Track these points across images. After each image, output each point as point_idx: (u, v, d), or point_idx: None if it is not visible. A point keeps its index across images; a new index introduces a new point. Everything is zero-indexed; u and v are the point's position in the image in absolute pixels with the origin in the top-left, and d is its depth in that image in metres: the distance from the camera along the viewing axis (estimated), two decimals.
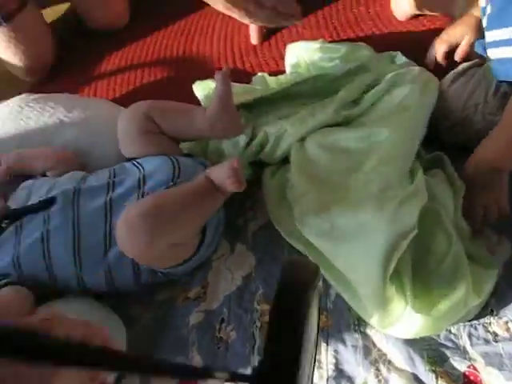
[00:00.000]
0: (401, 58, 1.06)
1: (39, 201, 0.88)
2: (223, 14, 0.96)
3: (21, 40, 1.37)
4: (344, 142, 0.94)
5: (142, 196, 0.86)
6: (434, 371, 0.72)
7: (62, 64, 1.49)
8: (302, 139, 0.97)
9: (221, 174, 0.83)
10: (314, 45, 1.09)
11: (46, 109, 1.11)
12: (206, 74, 1.14)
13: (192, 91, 1.12)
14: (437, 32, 1.05)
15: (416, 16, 1.19)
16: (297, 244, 0.87)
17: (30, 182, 0.96)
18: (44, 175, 1.00)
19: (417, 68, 0.99)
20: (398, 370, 0.73)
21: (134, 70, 1.35)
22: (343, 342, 0.77)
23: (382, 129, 0.91)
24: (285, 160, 0.98)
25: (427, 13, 1.18)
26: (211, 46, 1.33)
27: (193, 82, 1.14)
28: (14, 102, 1.15)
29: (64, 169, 0.98)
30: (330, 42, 1.17)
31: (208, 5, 0.94)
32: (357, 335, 0.77)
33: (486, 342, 0.73)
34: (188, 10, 1.47)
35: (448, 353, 0.74)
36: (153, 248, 0.77)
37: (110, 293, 0.88)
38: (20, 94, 1.21)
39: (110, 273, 0.85)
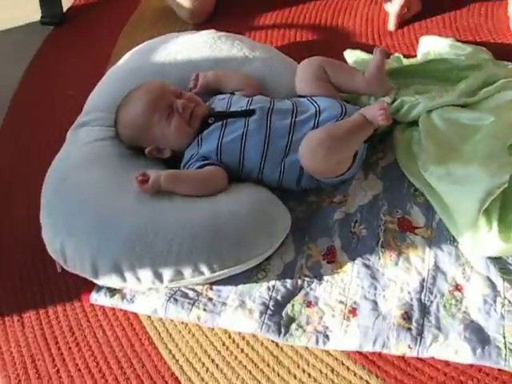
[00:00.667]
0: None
1: (241, 110, 1.24)
2: None
3: None
4: (461, 118, 1.28)
5: (317, 124, 1.21)
6: (501, 277, 1.07)
7: (219, 12, 1.83)
8: (429, 112, 1.31)
9: (373, 111, 1.18)
10: (446, 41, 1.44)
11: (234, 45, 1.47)
12: (349, 46, 1.48)
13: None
14: None
15: None
16: (415, 181, 1.23)
17: (226, 95, 1.32)
18: (232, 94, 1.35)
19: None
20: (478, 273, 1.09)
21: (288, 30, 1.70)
22: (441, 249, 1.14)
23: (490, 116, 1.26)
24: (412, 123, 1.33)
25: None
26: (354, 23, 1.68)
27: (337, 49, 1.48)
28: (206, 34, 1.50)
29: (249, 91, 1.34)
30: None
31: None
32: (451, 246, 1.14)
33: None
34: None
35: None
36: (325, 163, 1.14)
37: (276, 188, 1.24)
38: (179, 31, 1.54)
39: (282, 173, 1.22)
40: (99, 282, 1.12)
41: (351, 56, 1.48)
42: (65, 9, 2.03)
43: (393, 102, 1.31)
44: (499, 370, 0.98)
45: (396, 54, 1.52)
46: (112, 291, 1.15)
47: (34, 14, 1.99)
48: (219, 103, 1.30)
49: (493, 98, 1.32)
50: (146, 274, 1.07)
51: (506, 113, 1.26)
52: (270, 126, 1.21)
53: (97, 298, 1.16)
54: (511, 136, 1.20)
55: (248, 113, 1.24)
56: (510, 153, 1.16)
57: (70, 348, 1.13)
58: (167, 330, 1.12)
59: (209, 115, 1.26)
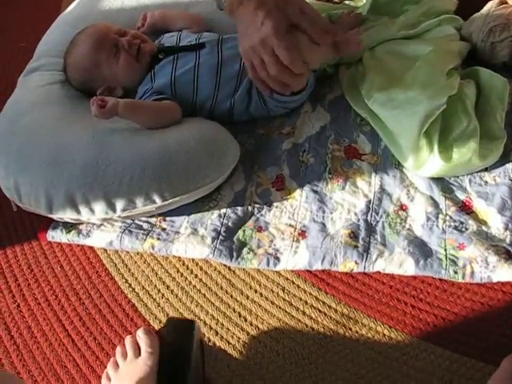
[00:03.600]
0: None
1: (191, 44, 1.27)
2: None
3: None
4: (402, 50, 1.32)
5: None
6: (444, 196, 1.12)
7: None
8: (372, 48, 1.35)
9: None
10: None
11: None
12: None
13: None
14: None
15: None
16: (360, 111, 1.27)
17: (174, 33, 1.34)
18: (180, 31, 1.36)
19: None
20: (421, 193, 1.14)
21: None
22: (387, 173, 1.17)
23: (429, 46, 1.30)
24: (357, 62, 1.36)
25: None
26: None
27: None
28: None
29: (197, 29, 1.36)
30: None
31: None
32: (396, 170, 1.18)
33: (479, 185, 1.13)
34: None
35: (454, 188, 1.14)
36: None
37: (227, 121, 1.27)
38: None
39: (233, 100, 1.24)
40: (54, 216, 1.14)
41: None
42: None
43: None
44: (440, 279, 1.03)
45: None
46: (68, 228, 1.18)
47: None
48: (168, 40, 1.32)
49: (432, 32, 1.35)
50: (99, 205, 1.10)
51: (445, 44, 1.30)
52: (221, 55, 1.24)
53: (53, 235, 1.18)
54: (449, 63, 1.24)
55: (198, 46, 1.26)
56: (449, 77, 1.20)
57: (29, 284, 1.16)
58: (123, 261, 1.15)
59: (159, 51, 1.28)
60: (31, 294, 1.14)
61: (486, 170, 1.15)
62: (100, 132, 1.16)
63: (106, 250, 1.17)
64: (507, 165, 1.15)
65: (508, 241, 1.04)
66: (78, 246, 1.19)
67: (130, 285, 1.12)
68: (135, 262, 1.14)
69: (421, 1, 1.38)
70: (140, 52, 1.25)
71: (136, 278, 1.13)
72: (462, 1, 1.41)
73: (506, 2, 1.34)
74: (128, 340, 0.99)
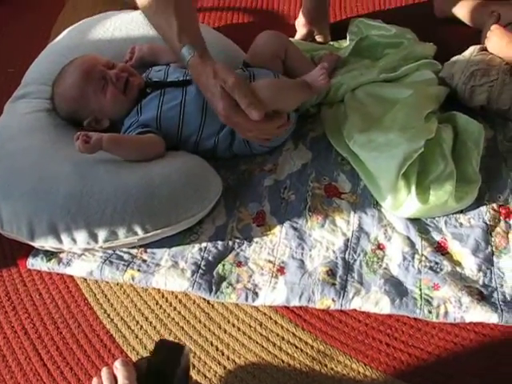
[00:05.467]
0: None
1: (179, 79, 1.29)
2: None
3: None
4: (383, 93, 1.37)
5: None
6: (420, 236, 1.15)
7: None
8: (353, 89, 1.39)
9: (313, 75, 1.24)
10: (373, 22, 1.51)
11: None
12: (284, 28, 1.56)
13: None
14: None
15: None
16: (341, 151, 1.30)
17: (162, 67, 1.36)
18: (168, 65, 1.38)
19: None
20: (398, 233, 1.16)
21: (225, 12, 1.77)
22: (365, 212, 1.20)
23: (408, 90, 1.34)
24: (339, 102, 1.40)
25: None
26: (289, 8, 1.76)
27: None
28: (137, 13, 1.53)
29: (183, 64, 1.38)
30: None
31: None
32: (374, 209, 1.20)
33: (455, 226, 1.17)
34: None
35: (430, 229, 1.17)
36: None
37: (211, 157, 1.29)
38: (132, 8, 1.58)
39: (217, 138, 1.27)
40: (36, 244, 1.15)
41: None
42: None
43: None
44: (415, 318, 1.05)
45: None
46: (49, 255, 1.18)
47: None
48: (156, 74, 1.34)
49: (412, 76, 1.40)
50: (81, 235, 1.11)
51: (424, 88, 1.34)
52: None
53: (33, 263, 1.18)
54: (428, 107, 1.28)
55: (185, 83, 1.28)
56: (427, 121, 1.24)
57: (6, 312, 1.16)
58: (103, 291, 1.16)
59: (146, 85, 1.30)
60: (8, 322, 1.14)
61: (461, 212, 1.19)
62: (84, 162, 1.17)
63: (85, 280, 1.17)
64: (481, 207, 1.19)
65: (481, 282, 1.07)
66: (58, 274, 1.19)
67: (108, 315, 1.12)
68: (115, 293, 1.15)
69: (401, 45, 1.43)
70: (128, 85, 1.27)
71: (115, 309, 1.13)
72: (441, 46, 1.46)
73: (486, 50, 1.39)
74: (105, 371, 0.98)
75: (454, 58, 1.40)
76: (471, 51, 1.39)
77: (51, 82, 1.35)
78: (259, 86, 1.15)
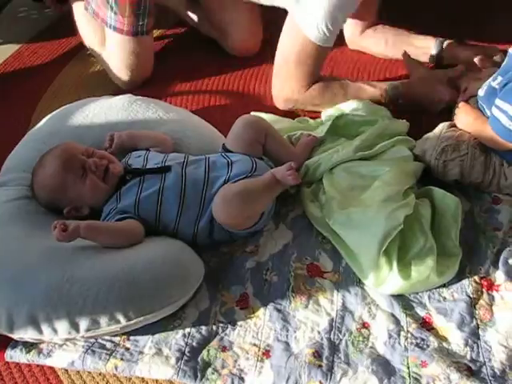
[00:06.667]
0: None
1: (157, 166, 1.30)
2: None
3: (142, 54, 1.77)
4: (361, 171, 1.39)
5: (228, 180, 1.27)
6: (404, 313, 1.15)
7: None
8: (332, 168, 1.41)
9: (283, 171, 1.26)
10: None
11: (149, 107, 1.55)
12: (262, 108, 1.59)
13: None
14: None
15: None
16: (322, 230, 1.31)
17: (141, 152, 1.38)
18: (148, 150, 1.40)
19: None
20: (382, 310, 1.16)
21: (203, 95, 1.81)
22: (348, 291, 1.20)
23: (385, 167, 1.37)
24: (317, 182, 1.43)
25: None
26: (265, 89, 1.80)
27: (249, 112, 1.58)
28: (123, 98, 1.57)
29: (163, 148, 1.41)
30: None
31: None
32: (357, 287, 1.20)
33: (438, 301, 1.17)
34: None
35: (414, 305, 1.17)
36: (236, 216, 1.21)
37: (191, 242, 1.29)
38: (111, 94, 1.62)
39: (197, 226, 1.27)
40: (15, 335, 1.12)
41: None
42: None
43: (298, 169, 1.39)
44: None
45: (303, 117, 1.64)
46: (28, 347, 1.15)
47: None
48: (136, 160, 1.36)
49: (387, 153, 1.43)
50: (62, 325, 1.09)
51: (401, 164, 1.37)
52: (184, 180, 1.27)
53: (12, 355, 1.15)
54: (405, 183, 1.31)
55: (164, 169, 1.30)
56: (405, 197, 1.26)
57: None
58: (85, 382, 1.13)
59: (126, 171, 1.31)
60: None
61: (444, 286, 1.20)
62: (64, 250, 1.17)
63: (66, 370, 1.14)
64: (463, 281, 1.20)
65: (468, 357, 1.07)
66: (38, 365, 1.15)
67: None
68: (97, 383, 1.12)
69: (376, 123, 1.47)
70: (107, 173, 1.28)
71: None
72: (413, 124, 1.50)
73: (455, 126, 1.43)
74: None
75: (425, 136, 1.43)
76: (441, 128, 1.43)
77: (31, 169, 1.35)
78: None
